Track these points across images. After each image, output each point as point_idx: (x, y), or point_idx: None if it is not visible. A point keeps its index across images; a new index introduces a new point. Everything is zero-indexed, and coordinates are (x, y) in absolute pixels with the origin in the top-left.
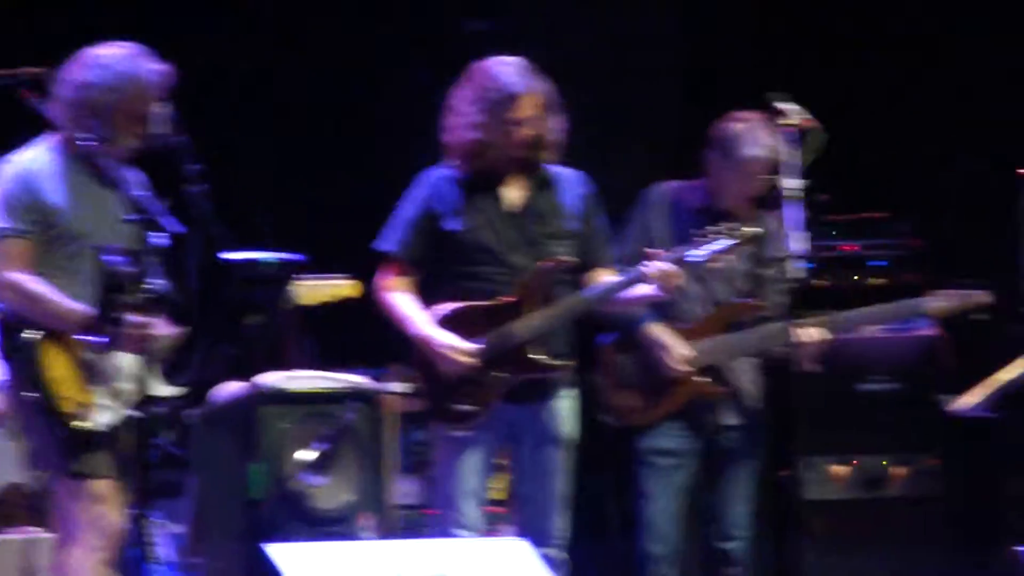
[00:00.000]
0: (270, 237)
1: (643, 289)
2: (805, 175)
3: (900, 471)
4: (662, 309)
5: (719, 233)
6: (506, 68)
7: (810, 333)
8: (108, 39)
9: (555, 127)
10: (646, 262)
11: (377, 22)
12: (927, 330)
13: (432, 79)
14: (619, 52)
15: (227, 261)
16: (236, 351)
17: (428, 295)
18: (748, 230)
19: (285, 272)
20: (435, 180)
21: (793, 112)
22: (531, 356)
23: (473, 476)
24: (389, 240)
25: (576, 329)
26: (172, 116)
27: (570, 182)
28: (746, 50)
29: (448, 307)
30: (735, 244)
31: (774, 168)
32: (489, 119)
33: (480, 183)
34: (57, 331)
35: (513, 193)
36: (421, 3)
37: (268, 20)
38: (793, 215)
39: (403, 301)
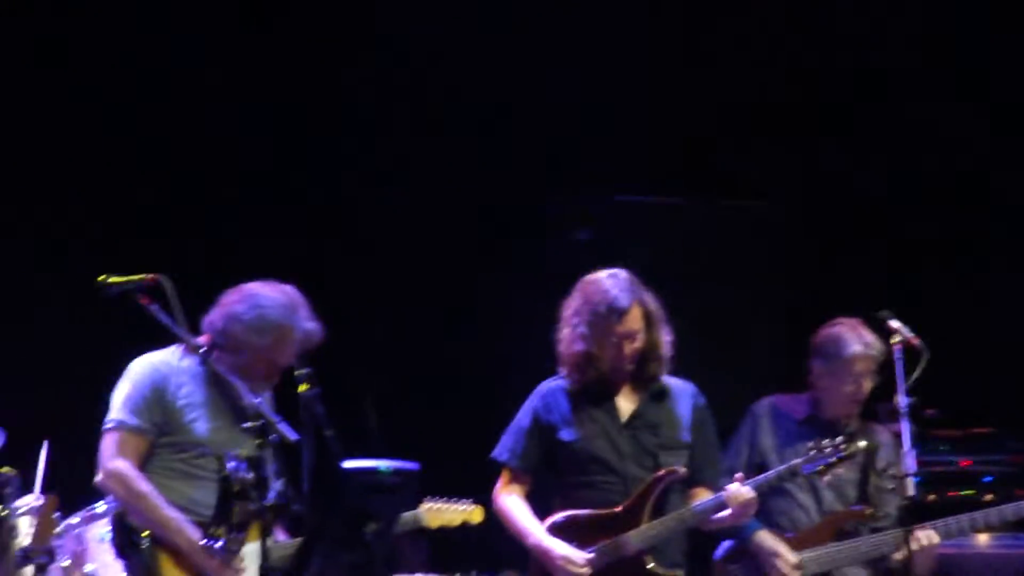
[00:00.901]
0: (379, 442)
1: (723, 512)
2: (911, 391)
3: None
4: (772, 518)
5: (830, 447)
6: (613, 282)
7: (925, 538)
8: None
9: (662, 339)
10: (728, 487)
11: (482, 232)
12: None
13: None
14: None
15: (345, 468)
16: (355, 558)
17: (543, 502)
18: (856, 444)
19: (402, 481)
20: (549, 391)
21: (900, 329)
22: (647, 566)
23: None
24: (504, 450)
25: (688, 538)
26: None
27: (682, 393)
28: (851, 264)
29: (561, 515)
30: (843, 458)
31: (878, 369)
32: (595, 332)
33: (593, 393)
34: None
35: (626, 403)
36: (526, 214)
37: (381, 233)
38: (905, 431)
39: (518, 510)
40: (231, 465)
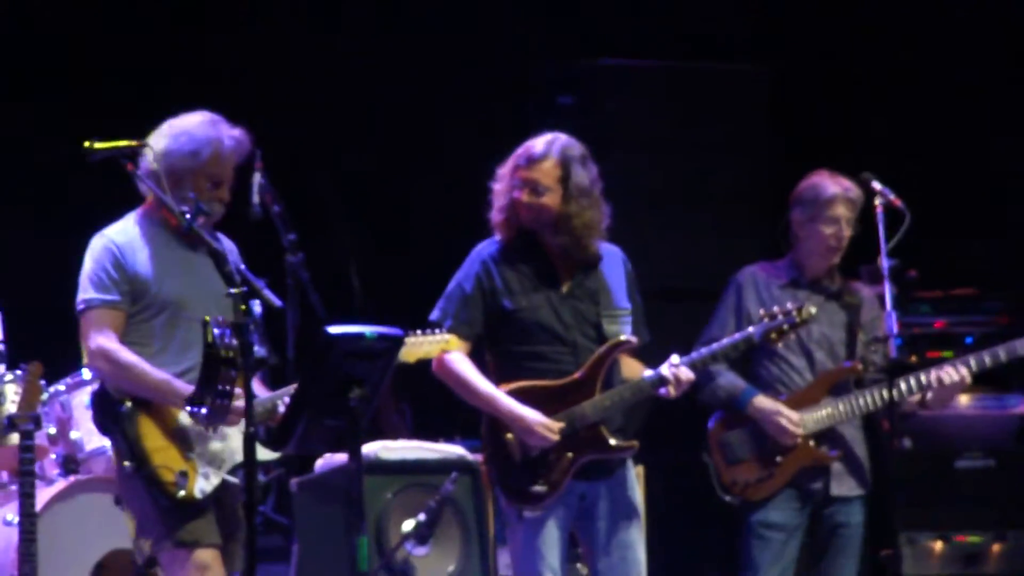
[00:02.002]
0: (362, 305)
1: (665, 388)
2: (893, 253)
3: (997, 548)
4: (768, 384)
5: (781, 313)
6: (544, 138)
7: (953, 374)
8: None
9: (582, 212)
10: (669, 365)
11: (471, 94)
12: (1020, 407)
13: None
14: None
15: (330, 333)
16: (339, 424)
17: (484, 371)
18: (808, 310)
19: (387, 346)
20: (488, 255)
21: (882, 191)
22: (607, 438)
23: (553, 551)
24: (447, 315)
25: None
26: (268, 187)
27: (613, 257)
28: (833, 126)
29: (515, 384)
30: (795, 324)
31: (857, 218)
32: (509, 178)
33: (527, 259)
34: (151, 401)
35: (562, 272)
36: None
37: (365, 96)
38: (887, 293)
39: (474, 374)
40: (216, 332)
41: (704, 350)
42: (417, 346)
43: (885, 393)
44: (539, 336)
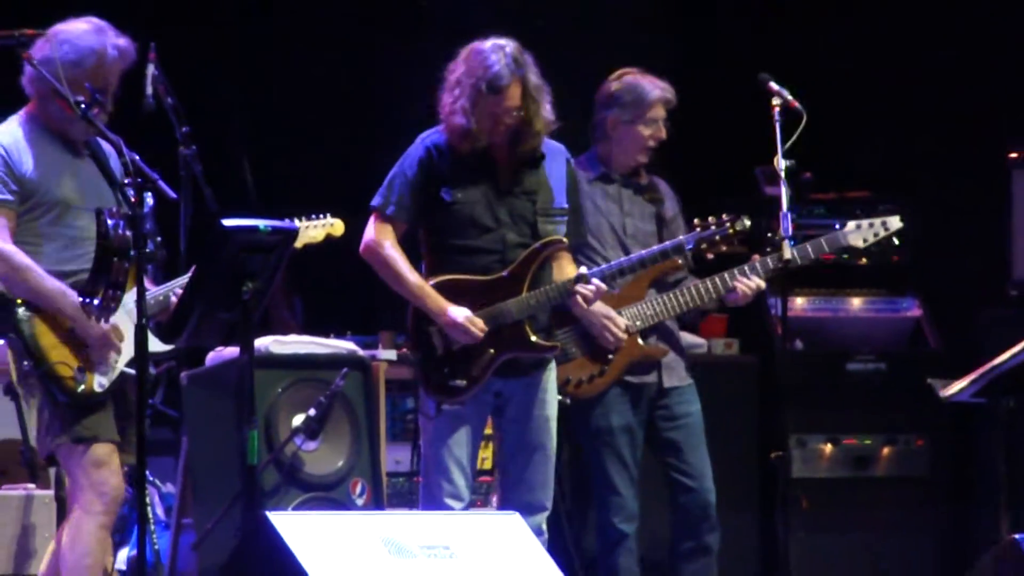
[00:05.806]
0: (254, 198)
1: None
2: (789, 154)
3: (886, 451)
4: None
5: (714, 224)
6: (497, 56)
7: (749, 284)
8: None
9: (541, 114)
10: (580, 284)
11: None
12: (914, 311)
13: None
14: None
15: (223, 226)
16: (232, 317)
17: (414, 260)
18: (743, 221)
19: (280, 240)
20: (433, 144)
21: (779, 92)
22: (529, 336)
23: (462, 448)
24: (386, 200)
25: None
26: (161, 78)
27: (556, 155)
28: (736, 26)
29: (444, 277)
30: (727, 235)
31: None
32: (474, 107)
33: (473, 156)
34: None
35: (504, 169)
36: None
37: None
38: (782, 194)
39: (404, 265)
40: (110, 223)
41: (626, 259)
42: (303, 231)
43: (712, 287)
44: (472, 231)
